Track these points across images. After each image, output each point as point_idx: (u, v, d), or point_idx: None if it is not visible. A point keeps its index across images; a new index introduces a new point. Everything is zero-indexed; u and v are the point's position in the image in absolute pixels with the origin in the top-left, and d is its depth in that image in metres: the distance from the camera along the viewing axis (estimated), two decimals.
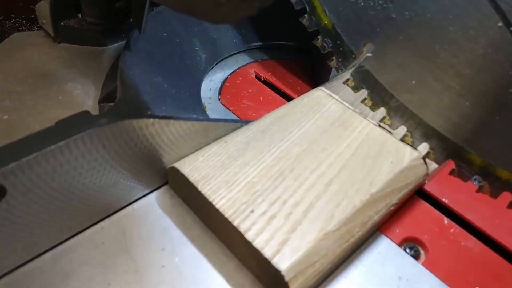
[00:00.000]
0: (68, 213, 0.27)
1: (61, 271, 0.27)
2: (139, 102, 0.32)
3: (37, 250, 0.27)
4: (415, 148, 0.35)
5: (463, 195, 0.37)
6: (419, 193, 0.37)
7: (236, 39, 0.48)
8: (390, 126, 0.36)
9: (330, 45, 0.36)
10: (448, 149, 0.33)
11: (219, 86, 0.44)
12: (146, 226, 0.30)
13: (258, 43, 0.50)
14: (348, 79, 0.36)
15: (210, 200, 0.29)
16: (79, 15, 0.47)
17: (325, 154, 0.33)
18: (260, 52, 0.50)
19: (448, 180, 0.38)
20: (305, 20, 0.36)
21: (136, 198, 0.32)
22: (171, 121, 0.30)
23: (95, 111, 0.39)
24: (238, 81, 0.45)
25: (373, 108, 0.36)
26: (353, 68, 0.36)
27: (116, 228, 0.30)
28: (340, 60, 0.36)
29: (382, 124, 0.37)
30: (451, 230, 0.34)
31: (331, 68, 0.43)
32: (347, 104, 0.39)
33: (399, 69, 0.34)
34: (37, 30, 0.49)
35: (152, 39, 0.40)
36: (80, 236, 0.29)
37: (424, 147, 0.35)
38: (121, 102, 0.32)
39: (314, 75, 0.47)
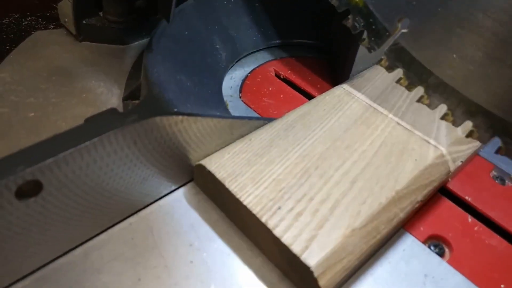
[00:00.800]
0: (99, 208, 0.28)
1: (92, 266, 0.27)
2: (165, 99, 0.33)
3: (69, 245, 0.28)
4: (456, 126, 0.34)
5: (486, 193, 0.37)
6: (443, 191, 0.37)
7: (255, 37, 0.48)
8: (428, 105, 0.34)
9: (362, 24, 0.34)
10: (494, 126, 0.32)
11: (239, 84, 0.44)
12: (173, 222, 0.31)
13: (278, 41, 0.50)
14: (382, 59, 0.35)
15: (237, 196, 0.29)
16: (101, 14, 0.47)
17: (349, 152, 0.33)
18: (280, 50, 0.50)
19: (471, 178, 0.38)
20: (334, 0, 0.35)
21: (162, 194, 0.32)
22: (199, 118, 0.30)
23: (119, 109, 0.39)
24: (258, 79, 0.45)
25: (410, 87, 0.35)
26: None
27: (144, 224, 0.30)
28: (372, 39, 0.34)
29: (402, 120, 0.37)
30: (475, 228, 0.34)
31: (351, 66, 0.43)
32: (369, 102, 0.39)
33: (437, 43, 0.32)
34: (53, 28, 0.49)
35: (174, 37, 0.40)
36: (109, 231, 0.29)
37: (466, 126, 0.34)
38: (147, 100, 0.32)
39: (334, 73, 0.47)
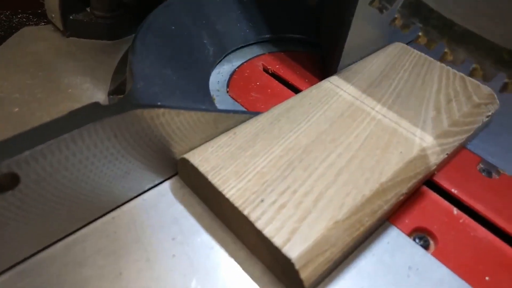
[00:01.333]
0: (80, 202, 0.28)
1: (74, 260, 0.27)
2: (149, 93, 0.33)
3: (49, 239, 0.28)
4: (486, 80, 0.31)
5: (472, 186, 0.37)
6: (428, 183, 0.37)
7: (244, 32, 0.48)
8: (452, 62, 0.31)
9: None
10: None
11: (227, 78, 0.44)
12: (156, 216, 0.30)
13: (267, 36, 0.49)
14: (395, 18, 0.32)
15: (220, 190, 0.29)
16: (88, 9, 0.47)
17: (334, 145, 0.33)
18: (268, 44, 0.50)
19: (458, 171, 0.38)
20: None
21: (146, 188, 0.32)
22: (181, 111, 0.30)
23: (104, 103, 0.39)
24: (246, 74, 0.45)
25: (430, 44, 0.32)
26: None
27: (127, 218, 0.30)
28: None
29: (387, 113, 0.37)
30: (460, 221, 0.34)
31: (339, 59, 0.43)
32: (355, 95, 0.39)
33: None
34: (44, 24, 0.49)
35: (161, 32, 0.40)
36: (91, 226, 0.29)
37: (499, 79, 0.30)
38: (131, 93, 0.32)
39: (322, 67, 0.47)
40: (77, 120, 0.25)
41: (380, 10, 0.33)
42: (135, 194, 0.31)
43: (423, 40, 0.32)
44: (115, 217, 0.30)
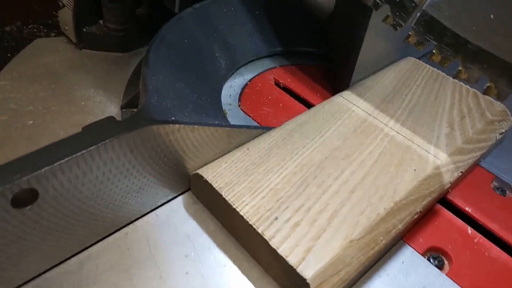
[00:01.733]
0: (95, 218, 0.27)
1: (87, 277, 0.27)
2: (163, 107, 0.33)
3: (64, 254, 0.28)
4: (501, 100, 0.30)
5: (487, 204, 0.36)
6: (442, 202, 0.36)
7: (255, 45, 0.48)
8: (466, 80, 0.30)
9: None
10: None
11: (239, 92, 0.44)
12: (169, 232, 0.30)
13: (278, 49, 0.50)
14: (409, 35, 0.32)
15: (234, 206, 0.29)
16: (101, 22, 0.47)
17: (348, 161, 0.33)
18: (280, 58, 0.50)
19: (471, 189, 0.38)
20: None
21: (159, 204, 0.32)
22: (196, 127, 0.30)
23: (117, 117, 0.39)
24: (258, 88, 0.45)
25: (444, 63, 0.31)
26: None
27: (140, 234, 0.30)
28: (397, 14, 0.31)
29: (401, 130, 0.37)
30: (475, 240, 0.34)
31: (352, 74, 0.43)
32: (368, 111, 0.39)
33: (472, 6, 0.28)
34: (54, 36, 0.49)
35: (173, 45, 0.40)
36: (105, 241, 0.29)
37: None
38: (145, 108, 0.32)
39: (334, 81, 0.47)
40: (94, 135, 0.25)
41: (394, 27, 0.33)
42: (148, 210, 0.31)
43: (437, 58, 0.32)
44: (128, 232, 0.30)
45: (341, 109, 0.38)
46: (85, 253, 0.28)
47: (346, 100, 0.40)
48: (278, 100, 0.44)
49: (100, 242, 0.29)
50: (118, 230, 0.30)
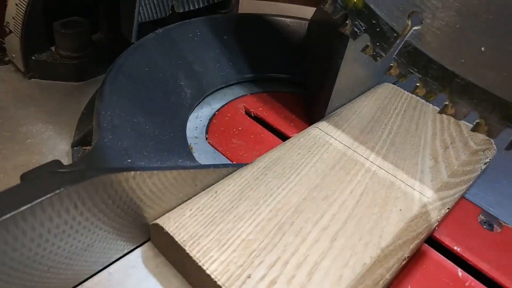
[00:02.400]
0: (34, 285, 0.23)
1: None
2: (118, 148, 0.29)
3: None
4: (492, 137, 0.28)
5: (475, 242, 0.34)
6: (429, 240, 0.33)
7: (224, 72, 0.45)
8: (454, 115, 0.28)
9: (363, 28, 0.29)
10: None
11: (206, 123, 0.41)
12: None
13: (248, 76, 0.46)
14: (391, 67, 0.30)
15: (200, 264, 0.25)
16: (52, 48, 0.43)
17: (327, 203, 0.30)
18: (251, 85, 0.46)
19: (458, 224, 0.35)
20: (327, 6, 0.30)
21: (113, 259, 0.28)
22: (155, 172, 0.26)
23: (68, 156, 0.35)
24: (227, 118, 0.42)
25: (428, 96, 0.29)
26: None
27: None
28: (377, 44, 0.29)
29: (383, 164, 0.34)
30: (467, 284, 0.31)
31: (327, 103, 0.40)
32: (347, 144, 0.36)
33: (459, 37, 0.26)
34: (3, 65, 0.45)
35: (132, 74, 0.37)
36: None
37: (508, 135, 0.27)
38: (97, 150, 0.28)
39: (309, 109, 0.44)
40: (29, 190, 0.21)
41: (374, 58, 0.30)
42: (100, 268, 0.27)
43: (421, 92, 0.29)
44: None
45: (318, 142, 0.35)
46: None
47: (323, 132, 0.37)
48: (249, 131, 0.40)
49: None
50: None
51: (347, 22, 0.30)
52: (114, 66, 0.36)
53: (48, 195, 0.21)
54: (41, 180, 0.22)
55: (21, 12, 0.39)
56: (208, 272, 0.24)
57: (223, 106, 0.43)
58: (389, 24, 0.29)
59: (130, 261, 0.28)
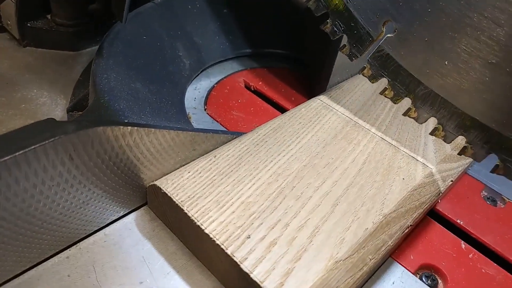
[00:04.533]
0: (26, 240, 0.22)
1: None
2: (114, 108, 0.28)
3: None
4: (447, 142, 0.30)
5: (478, 216, 0.33)
6: (432, 214, 0.33)
7: (223, 45, 0.44)
8: (416, 119, 0.30)
9: (342, 29, 0.31)
10: (491, 141, 0.28)
11: (204, 95, 0.40)
12: (120, 255, 0.25)
13: (248, 51, 0.46)
14: (364, 68, 0.31)
15: (198, 223, 0.24)
16: (48, 16, 0.42)
17: (329, 170, 0.29)
18: (250, 60, 0.46)
19: (461, 199, 0.34)
20: (311, 3, 0.31)
21: (109, 221, 0.27)
22: (153, 130, 0.25)
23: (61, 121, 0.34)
24: (226, 91, 0.41)
25: (395, 99, 0.31)
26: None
27: (85, 257, 0.25)
28: (354, 45, 0.31)
29: (386, 134, 0.33)
30: (470, 256, 0.30)
31: (329, 77, 0.39)
32: (349, 115, 0.35)
33: (427, 48, 0.28)
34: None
35: (130, 41, 0.36)
36: (40, 267, 0.24)
37: (459, 142, 0.30)
38: (93, 108, 0.27)
39: (309, 85, 0.43)
40: (23, 138, 0.20)
41: (350, 58, 0.31)
42: (95, 228, 0.26)
43: (389, 94, 0.31)
44: (70, 256, 0.25)
45: (319, 113, 0.35)
46: (16, 281, 0.23)
47: (324, 103, 0.36)
48: (248, 104, 0.40)
49: (35, 268, 0.24)
50: (57, 253, 0.25)
51: (328, 21, 0.31)
52: (111, 32, 0.35)
53: (43, 143, 0.20)
54: (36, 128, 0.21)
55: None
56: (206, 231, 0.24)
57: (222, 79, 0.42)
58: (366, 28, 0.30)
59: (126, 223, 0.27)
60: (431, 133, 0.30)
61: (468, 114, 0.28)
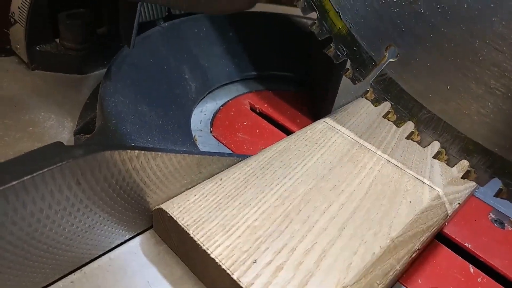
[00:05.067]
0: (32, 265, 0.22)
1: None
2: (122, 132, 0.28)
3: None
4: (450, 166, 0.30)
5: (486, 239, 0.33)
6: (439, 237, 0.33)
7: (228, 68, 0.44)
8: (419, 142, 0.30)
9: (345, 53, 0.31)
10: (494, 166, 0.28)
11: (210, 117, 0.40)
12: (126, 280, 0.25)
13: (253, 73, 0.46)
14: (367, 91, 0.31)
15: (204, 248, 0.24)
16: (57, 40, 0.42)
17: (335, 194, 0.29)
18: (255, 82, 0.46)
19: (468, 222, 0.34)
20: (314, 27, 0.32)
21: (114, 245, 0.27)
22: (159, 154, 0.25)
23: (70, 144, 0.34)
24: (232, 113, 0.41)
25: (398, 123, 0.31)
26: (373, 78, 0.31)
27: (90, 282, 0.25)
28: (357, 69, 0.31)
29: (392, 157, 0.33)
30: (479, 280, 0.30)
31: (334, 99, 0.39)
32: (354, 137, 0.35)
33: (429, 74, 0.29)
34: (3, 56, 0.44)
35: (137, 65, 0.36)
36: None
37: (462, 165, 0.30)
38: (100, 132, 0.27)
39: (314, 107, 0.43)
40: (31, 162, 0.20)
41: (353, 81, 0.32)
42: (100, 252, 0.26)
43: (392, 117, 0.31)
44: (75, 281, 0.25)
45: (325, 135, 0.35)
46: None
47: (330, 125, 0.36)
48: (254, 126, 0.40)
49: None
50: (62, 277, 0.25)
51: (331, 45, 0.32)
52: (119, 56, 0.36)
53: (50, 167, 0.20)
54: (44, 153, 0.21)
55: (27, 2, 0.39)
56: (212, 256, 0.24)
57: (228, 101, 0.43)
58: (369, 53, 0.30)
59: (132, 247, 0.27)
60: (435, 157, 0.30)
61: (471, 138, 0.28)
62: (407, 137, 0.31)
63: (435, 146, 0.34)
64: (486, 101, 0.27)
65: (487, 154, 0.28)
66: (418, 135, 0.30)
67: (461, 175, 0.33)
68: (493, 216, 0.35)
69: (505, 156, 0.27)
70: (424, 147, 0.30)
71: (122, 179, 0.24)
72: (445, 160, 0.30)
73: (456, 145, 0.29)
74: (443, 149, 0.30)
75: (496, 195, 0.29)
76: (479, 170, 0.29)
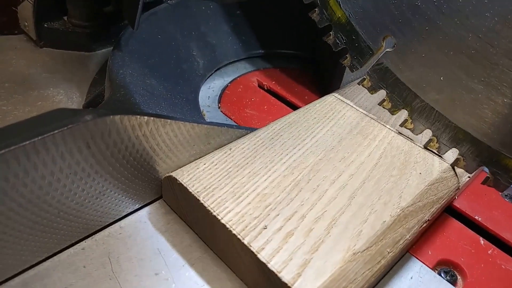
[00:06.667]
0: (42, 229, 0.22)
1: None
2: (131, 102, 0.28)
3: (4, 274, 0.22)
4: (441, 156, 0.32)
5: (497, 212, 0.33)
6: (449, 210, 0.32)
7: (236, 46, 0.44)
8: (412, 130, 0.31)
9: (344, 41, 0.32)
10: (482, 155, 0.29)
11: (218, 94, 0.40)
12: (136, 247, 0.25)
13: (260, 51, 0.46)
14: (364, 79, 0.32)
15: (214, 213, 0.24)
16: (65, 17, 0.42)
17: (345, 164, 0.29)
18: (262, 60, 0.46)
19: (479, 196, 0.34)
20: (315, 15, 0.32)
21: (124, 213, 0.27)
22: (169, 121, 0.25)
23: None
24: (239, 89, 0.41)
25: (393, 110, 0.32)
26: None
27: (100, 249, 0.25)
28: (355, 57, 0.32)
29: (402, 130, 0.33)
30: (489, 252, 0.30)
31: (342, 75, 0.39)
32: (364, 111, 0.35)
33: (424, 64, 0.30)
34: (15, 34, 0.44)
35: (145, 41, 0.36)
36: (56, 258, 0.24)
37: (453, 153, 0.31)
38: (109, 100, 0.27)
39: (322, 84, 0.43)
40: (42, 124, 0.20)
41: (351, 69, 0.33)
42: (111, 221, 0.26)
43: (387, 105, 0.32)
44: (86, 247, 0.25)
45: (334, 109, 0.34)
46: (31, 271, 0.23)
47: (339, 99, 0.36)
48: (262, 102, 0.40)
49: (50, 259, 0.24)
50: (73, 244, 0.25)
51: (330, 32, 0.33)
52: (126, 31, 0.36)
53: (61, 129, 0.20)
54: (54, 115, 0.21)
55: None
56: (223, 221, 0.24)
57: (236, 78, 0.42)
58: (367, 42, 0.32)
59: (141, 216, 0.27)
60: (426, 145, 0.32)
61: (461, 128, 0.30)
62: (401, 125, 0.32)
63: (428, 134, 0.35)
64: (476, 93, 0.28)
65: (476, 143, 0.29)
66: (411, 123, 0.32)
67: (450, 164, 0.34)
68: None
69: (493, 146, 0.29)
70: (417, 135, 0.32)
71: (132, 146, 0.24)
72: (436, 148, 0.31)
73: (447, 134, 0.30)
74: (435, 137, 0.31)
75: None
76: (468, 159, 0.30)
